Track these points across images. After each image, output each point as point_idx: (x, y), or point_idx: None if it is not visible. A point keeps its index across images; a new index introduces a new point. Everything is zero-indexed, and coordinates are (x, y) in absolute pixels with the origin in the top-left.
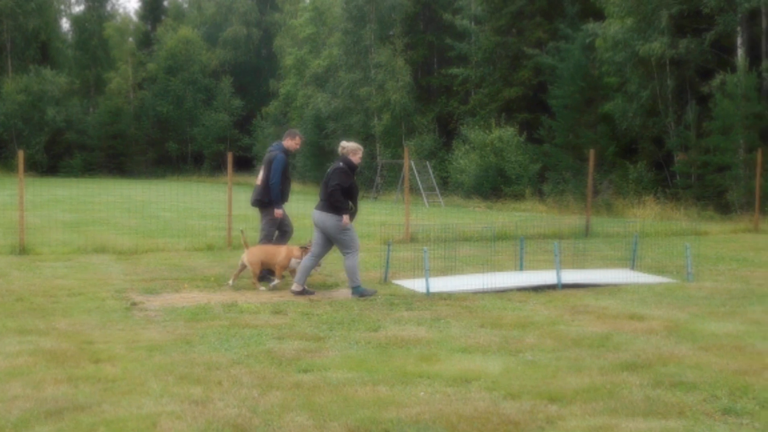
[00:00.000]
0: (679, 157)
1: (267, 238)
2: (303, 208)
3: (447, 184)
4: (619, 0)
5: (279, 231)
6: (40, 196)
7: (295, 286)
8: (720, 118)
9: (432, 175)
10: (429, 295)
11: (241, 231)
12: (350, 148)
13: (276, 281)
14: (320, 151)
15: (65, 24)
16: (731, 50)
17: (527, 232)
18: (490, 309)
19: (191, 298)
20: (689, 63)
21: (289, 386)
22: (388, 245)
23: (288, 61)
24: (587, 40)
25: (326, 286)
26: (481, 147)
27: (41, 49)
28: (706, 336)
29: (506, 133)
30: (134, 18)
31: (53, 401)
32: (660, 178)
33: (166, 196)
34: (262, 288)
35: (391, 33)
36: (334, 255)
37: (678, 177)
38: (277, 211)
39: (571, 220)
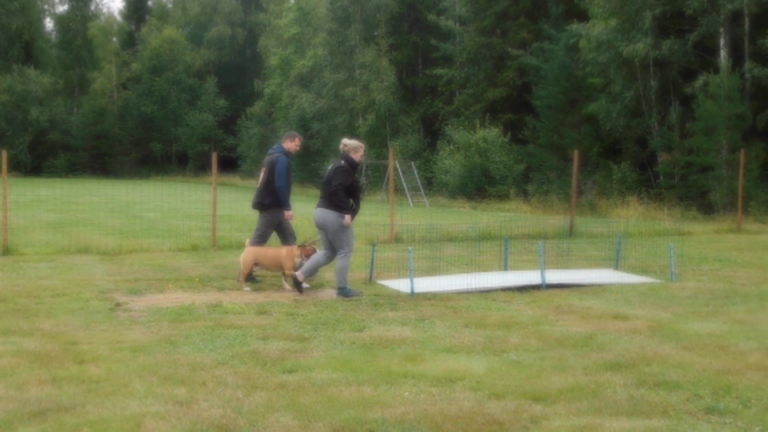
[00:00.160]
0: (662, 158)
1: (261, 239)
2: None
3: (432, 185)
4: (603, 1)
5: (281, 234)
6: (24, 196)
7: (298, 273)
8: (703, 118)
9: (417, 176)
10: (413, 296)
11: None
12: (352, 146)
13: (286, 284)
14: (305, 151)
15: (49, 24)
16: (714, 51)
17: (512, 232)
18: (475, 309)
19: (176, 298)
20: (672, 64)
21: (274, 387)
22: (373, 246)
23: (273, 61)
24: (571, 41)
25: (312, 287)
26: (465, 147)
27: (25, 48)
28: (690, 336)
29: (491, 134)
30: (118, 18)
31: (37, 402)
32: (643, 178)
33: (150, 196)
34: (247, 288)
35: (375, 33)
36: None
37: (661, 177)
38: (288, 213)
39: (556, 221)
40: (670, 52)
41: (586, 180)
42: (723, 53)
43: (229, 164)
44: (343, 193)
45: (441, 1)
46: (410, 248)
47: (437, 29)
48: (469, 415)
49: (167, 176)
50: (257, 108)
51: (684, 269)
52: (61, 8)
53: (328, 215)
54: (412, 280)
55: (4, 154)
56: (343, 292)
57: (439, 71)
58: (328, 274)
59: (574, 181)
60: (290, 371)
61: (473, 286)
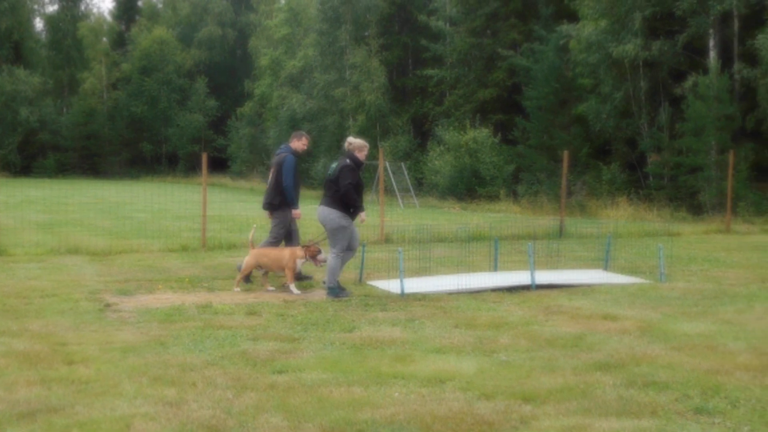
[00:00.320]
0: (652, 159)
1: (276, 241)
2: None
3: (422, 185)
4: (593, 2)
5: (287, 234)
6: (13, 196)
7: (329, 284)
8: (692, 119)
9: (407, 176)
10: (403, 296)
11: (254, 227)
12: (357, 145)
13: (292, 287)
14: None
15: (39, 24)
16: (703, 52)
17: (501, 232)
18: (465, 309)
19: (165, 299)
20: (662, 65)
21: (264, 387)
22: (363, 246)
23: (263, 61)
24: (561, 42)
25: (301, 287)
26: (455, 148)
27: (14, 48)
28: (679, 336)
29: (481, 134)
30: (108, 18)
31: (26, 403)
32: (633, 179)
33: (140, 196)
34: (237, 289)
35: (366, 34)
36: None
37: (651, 178)
38: (296, 212)
39: (545, 221)
40: (659, 53)
41: (575, 181)
42: (712, 54)
43: (219, 165)
44: (354, 192)
45: (431, 1)
46: (400, 249)
47: (428, 30)
48: (459, 416)
49: (157, 177)
50: (247, 108)
51: (673, 270)
52: (51, 8)
53: (330, 213)
54: (402, 281)
55: None
56: (333, 292)
57: (430, 72)
58: (319, 274)
59: (563, 181)
60: (280, 372)
61: (463, 287)
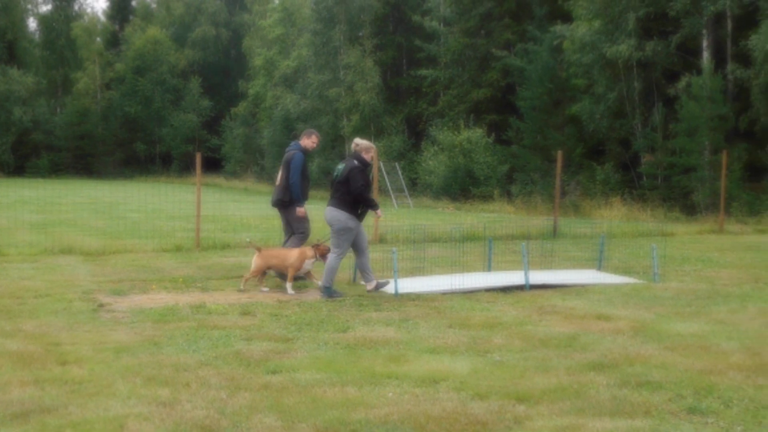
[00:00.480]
0: (645, 159)
1: (304, 235)
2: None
3: (416, 185)
4: (587, 2)
5: (287, 232)
6: (7, 196)
7: (369, 286)
8: (686, 120)
9: (401, 176)
10: (397, 296)
11: (248, 240)
12: (363, 146)
13: (288, 287)
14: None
15: (32, 23)
16: (697, 53)
17: (495, 233)
18: (459, 310)
19: (159, 299)
20: (656, 65)
21: (258, 387)
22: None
23: (257, 61)
24: (555, 42)
25: (295, 287)
26: (449, 148)
27: (8, 48)
28: (672, 336)
29: (475, 135)
30: (102, 18)
31: (19, 403)
32: (627, 179)
33: (134, 196)
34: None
35: (360, 34)
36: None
37: (644, 178)
38: (300, 209)
39: (539, 221)
40: (653, 54)
41: (569, 181)
42: (706, 55)
43: (213, 165)
44: (368, 193)
45: (425, 1)
46: (394, 249)
47: (422, 30)
48: (453, 416)
49: (151, 177)
50: (241, 108)
51: (667, 270)
52: (45, 8)
53: (338, 214)
54: (396, 281)
55: None
56: (327, 292)
57: (424, 72)
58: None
59: (557, 181)
60: (274, 372)
61: (457, 287)
